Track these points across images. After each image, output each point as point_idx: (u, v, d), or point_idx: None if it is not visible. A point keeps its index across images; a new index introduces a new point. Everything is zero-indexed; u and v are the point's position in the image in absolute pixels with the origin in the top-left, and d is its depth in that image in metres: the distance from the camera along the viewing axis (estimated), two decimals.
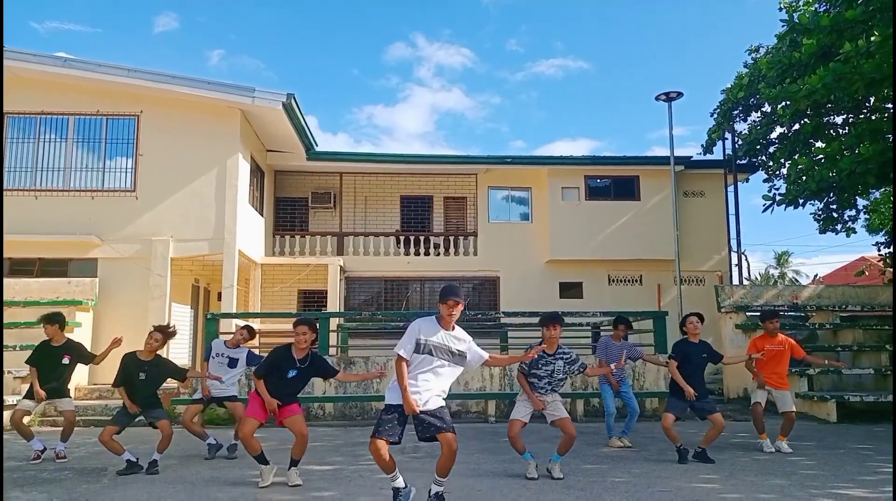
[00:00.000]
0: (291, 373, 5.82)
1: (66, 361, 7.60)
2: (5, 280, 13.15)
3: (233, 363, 7.62)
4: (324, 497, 5.39)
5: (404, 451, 7.49)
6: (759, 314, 10.72)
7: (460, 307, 4.80)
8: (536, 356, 5.92)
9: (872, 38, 9.44)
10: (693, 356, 7.26)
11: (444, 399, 4.90)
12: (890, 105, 12.38)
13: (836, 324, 13.73)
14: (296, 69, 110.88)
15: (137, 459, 6.56)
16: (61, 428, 7.67)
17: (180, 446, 7.66)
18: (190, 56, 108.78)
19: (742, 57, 31.47)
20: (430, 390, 4.78)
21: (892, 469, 6.32)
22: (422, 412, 4.72)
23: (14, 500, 5.33)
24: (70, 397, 7.84)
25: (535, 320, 12.45)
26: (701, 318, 7.51)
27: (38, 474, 6.51)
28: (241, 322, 14.09)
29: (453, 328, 4.90)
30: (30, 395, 7.59)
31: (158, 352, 6.96)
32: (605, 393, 8.44)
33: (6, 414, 10.49)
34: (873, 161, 10.50)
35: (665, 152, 15.85)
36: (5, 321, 12.17)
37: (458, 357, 4.88)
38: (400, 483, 4.85)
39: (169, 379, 7.23)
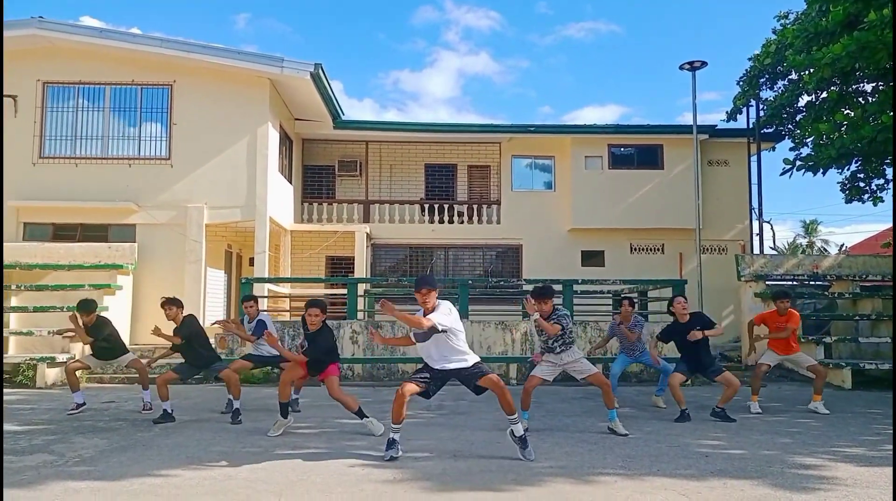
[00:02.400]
0: (306, 344, 6.44)
1: (104, 336, 8.10)
2: (50, 244, 13.81)
3: (255, 330, 8.08)
4: (357, 445, 5.87)
5: (430, 408, 7.98)
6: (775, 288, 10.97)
7: (430, 294, 5.38)
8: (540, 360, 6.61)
9: None
10: (682, 334, 7.47)
11: (470, 360, 5.48)
12: None
13: (855, 293, 13.84)
14: (322, 33, 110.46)
15: (173, 411, 7.18)
16: (139, 379, 8.25)
17: (220, 401, 8.22)
18: (216, 20, 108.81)
19: (771, 23, 30.91)
20: (439, 356, 5.44)
21: (892, 431, 6.62)
22: (458, 370, 5.43)
23: (77, 445, 5.88)
24: (127, 353, 8.40)
25: (558, 287, 12.87)
26: (686, 299, 7.80)
27: (95, 423, 7.10)
28: (273, 286, 14.72)
29: (434, 312, 5.37)
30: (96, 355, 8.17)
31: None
32: (619, 358, 8.78)
33: (54, 370, 11.26)
34: (892, 130, 10.55)
35: (691, 121, 15.85)
36: (52, 283, 12.86)
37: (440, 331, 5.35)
38: (398, 436, 5.44)
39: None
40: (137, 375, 8.25)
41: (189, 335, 7.41)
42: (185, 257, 14.08)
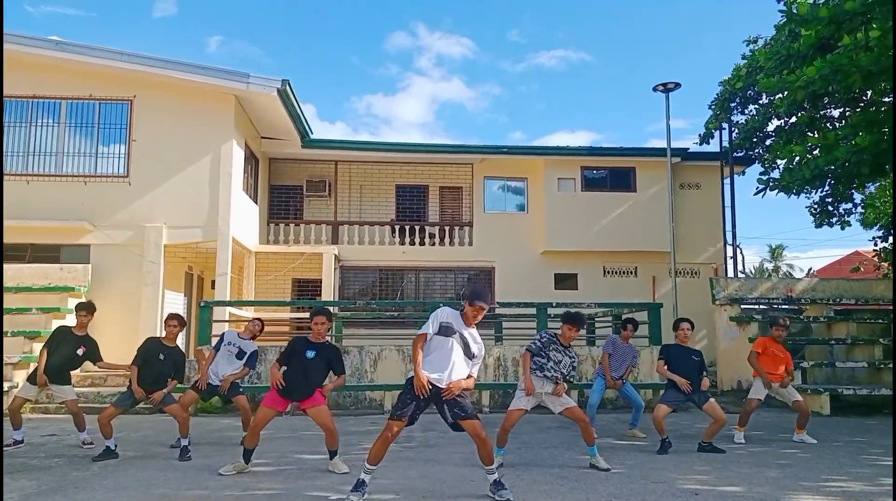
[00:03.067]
0: (310, 354, 5.81)
1: (80, 352, 7.50)
2: None
3: (241, 354, 7.53)
4: (317, 486, 5.35)
5: (397, 440, 7.45)
6: (766, 319, 10.84)
7: (484, 312, 4.97)
8: (549, 340, 6.20)
9: (871, 33, 9.37)
10: (682, 358, 7.28)
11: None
12: (887, 99, 12.32)
13: (830, 317, 13.75)
14: (295, 57, 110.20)
15: (116, 446, 6.59)
16: (73, 421, 7.49)
17: (172, 434, 7.61)
18: (188, 42, 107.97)
19: (740, 48, 31.28)
20: (448, 373, 4.88)
21: (891, 462, 6.31)
22: (445, 399, 4.85)
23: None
24: (71, 385, 7.71)
25: (531, 310, 12.48)
26: (692, 325, 7.53)
27: (28, 461, 6.45)
28: (235, 310, 14.10)
29: (474, 327, 5.06)
30: (32, 380, 7.48)
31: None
32: (596, 386, 8.40)
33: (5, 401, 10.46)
34: (869, 152, 10.47)
35: (663, 144, 15.78)
36: None
37: (469, 354, 5.00)
38: (368, 478, 4.92)
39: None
40: (72, 415, 7.50)
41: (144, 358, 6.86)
42: (141, 280, 13.40)
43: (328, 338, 6.37)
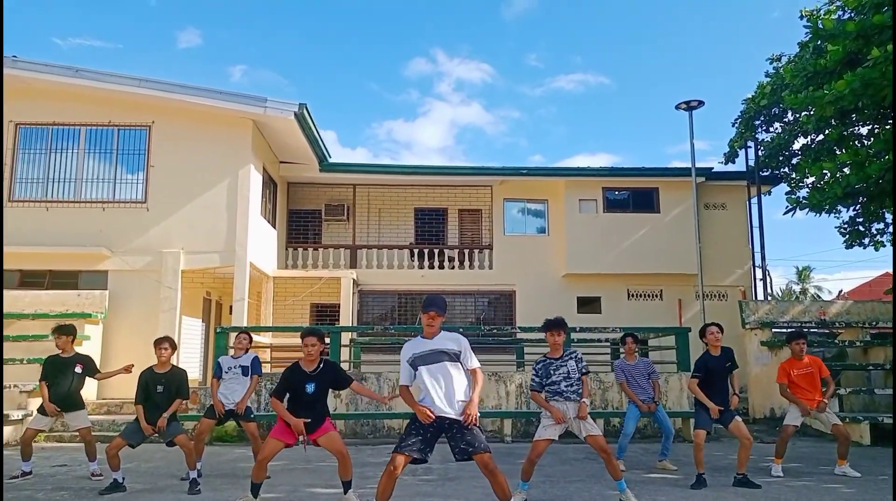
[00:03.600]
0: (310, 387, 5.52)
1: (78, 370, 7.43)
2: (16, 292, 13.03)
3: (245, 371, 7.36)
4: None
5: (415, 473, 7.14)
6: (784, 334, 10.33)
7: (440, 319, 4.77)
8: (543, 366, 5.89)
9: None
10: (716, 370, 6.94)
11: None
12: None
13: (866, 341, 13.19)
14: (316, 84, 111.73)
15: (124, 480, 6.38)
16: (84, 449, 7.34)
17: (183, 465, 7.35)
18: (212, 72, 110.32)
19: (763, 66, 30.88)
20: (444, 393, 4.67)
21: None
22: (456, 427, 4.61)
23: None
24: (84, 409, 7.58)
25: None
26: (721, 328, 7.13)
27: (34, 494, 6.24)
28: (253, 336, 13.90)
29: (439, 333, 4.82)
30: (43, 411, 7.37)
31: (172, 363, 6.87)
32: (630, 413, 8.03)
33: (8, 429, 10.32)
34: None
35: (684, 164, 15.46)
36: (14, 334, 12.03)
37: (452, 355, 4.77)
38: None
39: None
40: (84, 443, 7.33)
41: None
42: (159, 305, 13.30)
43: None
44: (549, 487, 6.59)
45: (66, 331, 7.50)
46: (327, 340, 10.75)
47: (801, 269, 50.10)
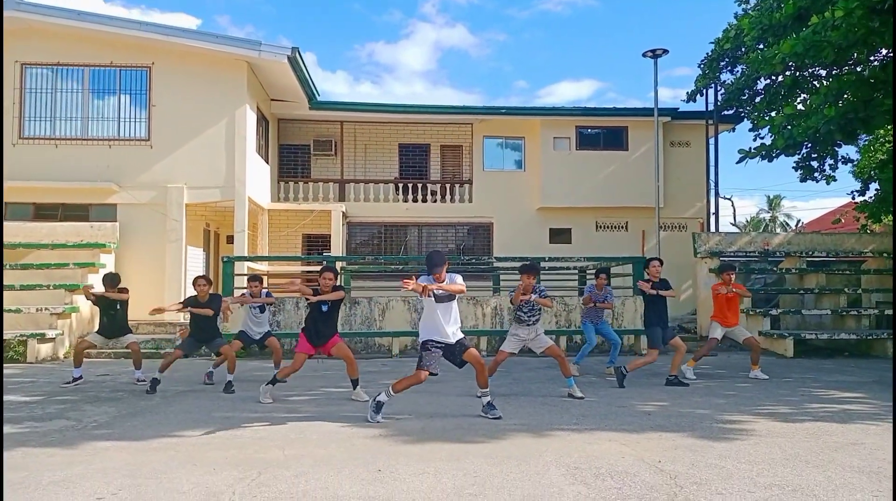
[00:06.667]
0: (324, 306, 6.97)
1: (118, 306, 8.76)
2: (32, 224, 14.15)
3: (262, 308, 8.78)
4: (345, 409, 6.58)
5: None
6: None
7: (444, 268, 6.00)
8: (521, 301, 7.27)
9: (836, 12, 10.16)
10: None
11: (459, 333, 6.18)
12: (860, 68, 13.14)
13: (801, 269, 14.89)
14: (296, 4, 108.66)
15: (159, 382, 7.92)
16: (132, 360, 8.74)
17: (201, 375, 8.83)
18: None
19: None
20: (450, 323, 6.06)
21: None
22: (448, 344, 6.03)
23: (90, 412, 6.48)
24: (132, 332, 8.99)
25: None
26: (661, 262, 8.80)
27: (98, 394, 7.68)
28: (253, 264, 15.23)
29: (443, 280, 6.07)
30: (101, 332, 8.75)
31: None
32: (586, 329, 9.65)
33: (45, 346, 11.71)
34: (835, 122, 11.41)
35: (664, 97, 16.61)
36: (37, 262, 13.24)
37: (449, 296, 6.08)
38: (387, 400, 6.15)
39: None
40: (133, 354, 8.73)
41: (216, 309, 8.10)
42: (165, 237, 14.51)
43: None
44: (515, 386, 8.20)
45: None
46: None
47: (771, 198, 52.09)
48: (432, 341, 6.03)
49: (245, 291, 9.14)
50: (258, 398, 7.03)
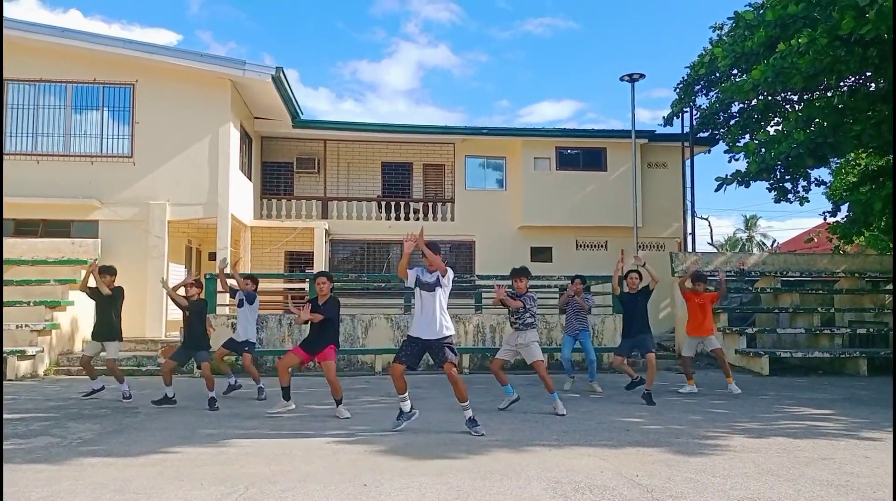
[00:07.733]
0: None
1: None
2: (12, 240, 14.04)
3: (244, 300, 9.19)
4: (328, 426, 6.65)
5: (391, 394, 8.77)
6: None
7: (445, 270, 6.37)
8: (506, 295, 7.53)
9: (801, 39, 10.58)
10: (630, 304, 9.08)
11: (450, 329, 6.37)
12: (830, 94, 13.59)
13: (776, 288, 15.23)
14: (278, 21, 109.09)
15: (174, 396, 8.03)
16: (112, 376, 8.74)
17: (185, 392, 8.86)
18: (169, 3, 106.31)
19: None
20: (423, 316, 6.32)
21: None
22: (433, 340, 6.26)
23: (74, 429, 6.48)
24: (120, 339, 8.94)
25: (508, 282, 13.81)
26: (640, 275, 9.20)
27: (81, 411, 7.67)
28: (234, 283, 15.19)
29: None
30: (94, 336, 8.76)
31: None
32: (564, 343, 9.93)
33: (25, 363, 11.61)
34: (804, 146, 11.81)
35: (642, 119, 17.01)
36: (16, 278, 13.13)
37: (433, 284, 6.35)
38: (407, 406, 6.45)
39: None
40: (109, 371, 8.74)
41: (200, 311, 8.36)
42: (147, 253, 14.48)
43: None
44: (498, 402, 8.27)
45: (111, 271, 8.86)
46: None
47: (748, 218, 53.07)
48: (409, 335, 6.42)
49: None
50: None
